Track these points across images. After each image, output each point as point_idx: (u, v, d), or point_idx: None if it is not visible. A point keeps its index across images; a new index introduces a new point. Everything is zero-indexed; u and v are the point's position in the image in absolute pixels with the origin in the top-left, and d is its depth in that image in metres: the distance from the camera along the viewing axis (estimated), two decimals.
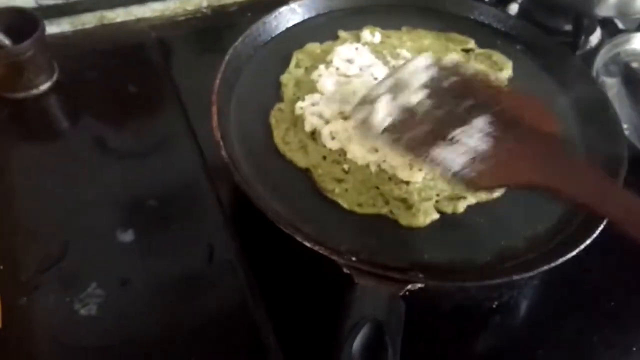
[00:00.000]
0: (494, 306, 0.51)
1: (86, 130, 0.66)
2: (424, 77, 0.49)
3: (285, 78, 0.59)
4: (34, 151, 0.64)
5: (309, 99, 0.55)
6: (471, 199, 0.49)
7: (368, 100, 0.49)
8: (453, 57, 0.57)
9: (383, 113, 0.47)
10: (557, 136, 0.44)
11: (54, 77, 0.69)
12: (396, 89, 0.49)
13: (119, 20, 0.78)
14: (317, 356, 0.45)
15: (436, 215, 0.48)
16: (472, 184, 0.42)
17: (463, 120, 0.45)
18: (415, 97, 0.48)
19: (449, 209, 0.49)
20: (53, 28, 0.75)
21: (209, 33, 0.79)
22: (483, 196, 0.50)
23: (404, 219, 0.48)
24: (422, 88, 0.48)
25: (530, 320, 0.52)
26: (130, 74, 0.72)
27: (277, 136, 0.53)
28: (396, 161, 0.49)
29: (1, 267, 0.52)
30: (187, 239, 0.56)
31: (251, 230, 0.55)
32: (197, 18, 0.81)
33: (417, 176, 0.49)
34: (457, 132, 0.44)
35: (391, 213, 0.48)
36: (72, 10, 0.74)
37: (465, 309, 0.51)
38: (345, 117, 0.53)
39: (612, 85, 0.73)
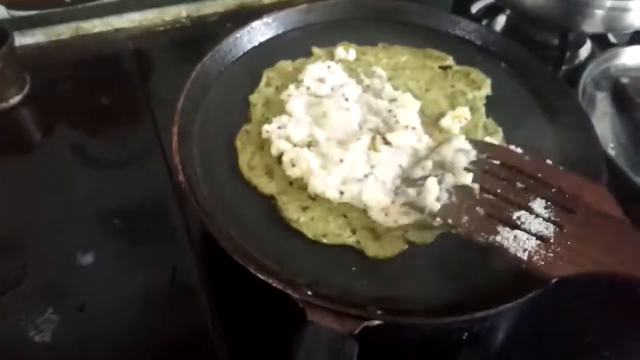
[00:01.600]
0: (463, 337, 0.49)
1: (57, 144, 0.65)
2: (464, 159, 0.48)
3: (254, 97, 0.57)
4: (1, 166, 0.62)
5: (277, 121, 0.53)
6: (441, 229, 0.47)
7: (411, 182, 0.47)
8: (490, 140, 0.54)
9: (432, 197, 0.45)
10: (623, 219, 0.43)
11: (25, 90, 0.68)
12: (439, 170, 0.48)
13: (95, 30, 0.76)
14: None
15: (404, 246, 0.46)
16: (545, 275, 0.41)
17: (519, 203, 0.44)
18: (462, 179, 0.46)
19: (418, 239, 0.47)
20: (27, 39, 0.73)
21: (188, 44, 0.78)
22: None
23: (371, 250, 0.45)
24: (467, 171, 0.47)
25: (502, 352, 0.49)
26: (104, 85, 0.71)
27: (242, 161, 0.51)
28: (371, 202, 0.47)
29: None
30: (150, 261, 0.54)
31: (215, 255, 0.53)
32: (176, 28, 0.80)
33: (390, 222, 0.47)
34: (517, 217, 0.43)
35: (358, 243, 0.46)
36: (46, 21, 0.73)
37: (433, 340, 0.49)
38: (311, 144, 0.51)
39: (601, 100, 0.71)
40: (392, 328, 0.46)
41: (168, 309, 0.52)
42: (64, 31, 0.75)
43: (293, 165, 0.49)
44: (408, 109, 0.54)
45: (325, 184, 0.47)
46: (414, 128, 0.53)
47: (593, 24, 0.65)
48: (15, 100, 0.67)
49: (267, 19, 0.63)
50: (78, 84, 0.71)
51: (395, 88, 0.58)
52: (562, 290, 0.43)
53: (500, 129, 0.56)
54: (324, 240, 0.45)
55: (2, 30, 0.64)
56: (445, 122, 0.55)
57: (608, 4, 0.62)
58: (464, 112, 0.56)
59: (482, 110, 0.58)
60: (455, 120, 0.55)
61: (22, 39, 0.72)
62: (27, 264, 0.53)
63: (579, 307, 0.52)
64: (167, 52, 0.77)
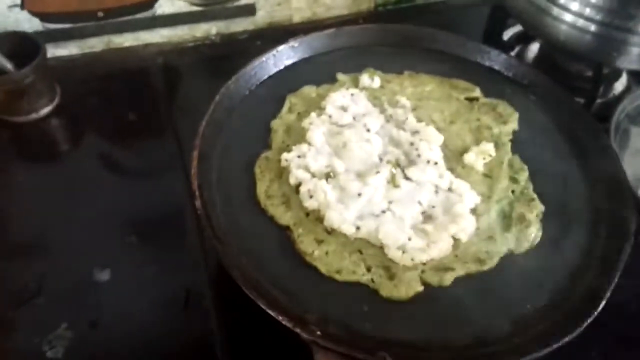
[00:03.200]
0: None
1: (81, 156, 0.66)
2: None
3: (275, 124, 0.57)
4: (28, 176, 0.64)
5: (297, 149, 0.52)
6: (460, 271, 0.46)
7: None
8: None
9: None
10: None
11: (55, 102, 0.70)
12: None
13: (126, 44, 0.78)
14: None
15: (420, 287, 0.45)
16: None
17: None
18: None
19: (434, 281, 0.45)
20: (61, 51, 0.75)
21: (217, 61, 0.78)
22: (472, 267, 0.46)
23: (385, 290, 0.44)
24: None
25: None
26: (131, 100, 0.72)
27: (260, 189, 0.51)
28: (388, 239, 0.46)
29: None
30: (165, 281, 0.55)
31: (229, 281, 0.53)
32: (206, 45, 0.81)
33: (407, 260, 0.46)
34: None
35: (372, 282, 0.45)
36: (79, 34, 0.75)
37: None
38: (330, 175, 0.50)
39: (636, 135, 0.68)
40: None
41: (179, 329, 0.52)
42: (96, 44, 0.76)
43: (310, 197, 0.49)
44: (431, 143, 0.53)
45: (342, 218, 0.47)
46: (436, 163, 0.52)
47: (629, 60, 0.63)
48: (45, 111, 0.69)
49: (293, 43, 0.63)
50: (107, 96, 0.72)
51: (419, 119, 0.57)
52: (580, 339, 0.41)
53: (525, 167, 0.55)
54: (338, 277, 0.45)
55: (35, 43, 0.66)
56: (468, 158, 0.54)
57: None
58: (488, 148, 0.54)
59: (508, 146, 0.56)
60: (480, 156, 0.54)
61: (56, 51, 0.74)
62: (46, 275, 0.54)
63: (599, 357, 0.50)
64: (196, 69, 0.78)
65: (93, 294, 0.53)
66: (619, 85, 0.75)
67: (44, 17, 0.71)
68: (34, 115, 0.68)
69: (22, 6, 0.69)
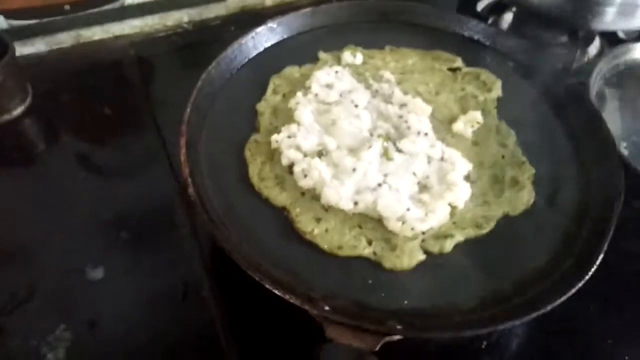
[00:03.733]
0: (482, 346, 0.48)
1: (60, 155, 0.64)
2: None
3: (261, 106, 0.56)
4: (4, 179, 0.61)
5: (286, 130, 0.52)
6: (459, 237, 0.46)
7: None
8: None
9: None
10: None
11: (28, 101, 0.67)
12: None
13: (96, 38, 0.75)
14: None
15: (422, 256, 0.45)
16: None
17: None
18: None
19: (435, 249, 0.46)
20: (27, 49, 0.72)
21: (191, 49, 0.77)
22: (471, 232, 0.47)
23: (388, 261, 0.45)
24: None
25: (522, 358, 0.49)
26: (107, 93, 0.70)
27: (253, 172, 0.50)
28: (386, 211, 0.46)
29: None
30: (160, 274, 0.54)
31: (226, 267, 0.52)
32: (178, 34, 0.79)
33: (407, 231, 0.46)
34: None
35: (374, 255, 0.45)
36: (46, 30, 0.72)
37: (452, 350, 0.49)
38: (322, 153, 0.50)
39: (611, 97, 0.70)
40: (411, 341, 0.45)
41: (180, 322, 0.51)
42: (65, 40, 0.74)
43: (305, 176, 0.48)
44: (419, 115, 0.53)
45: (339, 194, 0.46)
46: (426, 134, 0.52)
47: (604, 21, 0.64)
48: (18, 111, 0.66)
49: (271, 24, 0.62)
50: (80, 92, 0.70)
51: (405, 92, 0.57)
52: (578, 296, 0.42)
53: (513, 132, 0.55)
54: (340, 253, 0.45)
55: (3, 41, 0.63)
56: (457, 126, 0.54)
57: (619, 0, 0.61)
58: (476, 116, 0.55)
59: (494, 113, 0.57)
60: (468, 124, 0.54)
61: (23, 49, 0.71)
62: (36, 279, 0.52)
63: (596, 313, 0.52)
64: (170, 58, 0.76)
65: (88, 293, 0.52)
66: (593, 49, 0.77)
67: (8, 14, 0.68)
68: (6, 117, 0.65)
69: None
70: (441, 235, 0.46)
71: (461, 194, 0.48)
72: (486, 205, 0.49)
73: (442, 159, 0.51)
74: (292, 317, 0.44)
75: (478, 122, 0.55)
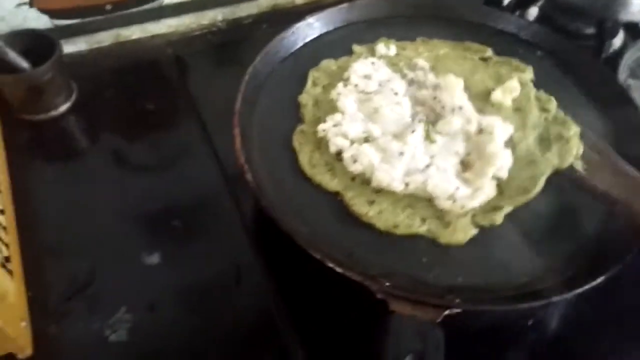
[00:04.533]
0: (529, 324, 0.50)
1: (106, 149, 0.66)
2: None
3: (303, 98, 0.58)
4: (55, 173, 0.64)
5: (331, 119, 0.54)
6: (508, 207, 0.48)
7: None
8: None
9: None
10: None
11: (73, 98, 0.69)
12: None
13: (134, 37, 0.78)
14: None
15: (475, 230, 0.47)
16: None
17: None
18: None
19: (486, 222, 0.48)
20: (69, 47, 0.74)
21: (225, 47, 0.79)
22: (520, 200, 0.49)
23: (443, 237, 0.47)
24: None
25: (567, 337, 0.51)
26: (147, 90, 0.72)
27: (303, 159, 0.52)
28: (436, 191, 0.48)
29: (30, 294, 0.52)
30: (213, 259, 0.56)
31: (278, 249, 0.55)
32: (213, 32, 0.81)
33: (457, 209, 0.48)
34: None
35: (429, 232, 0.47)
36: (87, 29, 0.74)
37: (499, 328, 0.51)
38: (368, 139, 0.52)
39: (637, 87, 0.72)
40: (458, 320, 0.47)
41: (235, 304, 0.53)
42: (105, 39, 0.76)
43: (355, 162, 0.50)
44: (451, 90, 0.55)
45: (391, 177, 0.49)
46: (460, 108, 0.54)
47: (630, 12, 0.66)
48: (64, 107, 0.68)
49: (310, 20, 0.65)
50: (121, 89, 0.72)
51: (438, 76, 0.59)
52: (625, 276, 0.44)
53: (552, 98, 0.57)
54: (396, 231, 0.47)
55: (50, 40, 0.66)
56: (495, 95, 0.56)
57: None
58: (514, 85, 0.56)
59: (531, 85, 0.59)
60: (507, 93, 0.56)
61: (65, 48, 0.73)
62: (94, 266, 0.55)
63: None
64: (205, 56, 0.78)
65: (146, 277, 0.54)
66: (617, 41, 0.79)
67: (53, 13, 0.70)
68: (53, 113, 0.68)
69: (31, 4, 0.69)
70: (490, 209, 0.48)
71: (503, 163, 0.50)
72: (533, 165, 0.51)
73: (480, 131, 0.53)
74: (347, 294, 0.47)
75: (517, 90, 0.56)
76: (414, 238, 0.47)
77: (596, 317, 0.51)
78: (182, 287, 0.54)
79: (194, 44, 0.79)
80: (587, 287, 0.42)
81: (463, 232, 0.46)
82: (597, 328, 0.51)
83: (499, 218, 0.48)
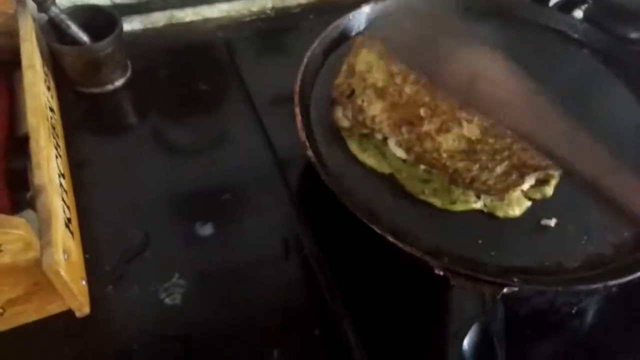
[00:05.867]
0: (573, 311, 0.51)
1: (158, 125, 0.68)
2: None
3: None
4: (109, 145, 0.66)
5: None
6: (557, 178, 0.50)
7: None
8: None
9: None
10: None
11: (128, 74, 0.72)
12: None
13: (187, 19, 0.80)
14: (401, 354, 0.46)
15: (528, 202, 0.49)
16: None
17: None
18: None
19: (537, 195, 0.50)
20: (125, 26, 0.76)
21: (273, 34, 0.81)
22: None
23: (500, 211, 0.48)
24: None
25: (609, 325, 0.52)
26: (199, 72, 0.74)
27: (352, 145, 0.54)
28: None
29: (87, 256, 0.54)
30: (263, 233, 0.57)
31: (326, 226, 0.56)
32: (262, 19, 0.83)
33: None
34: None
35: (485, 207, 0.49)
36: (144, 8, 0.76)
37: (543, 314, 0.52)
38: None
39: None
40: (513, 299, 0.48)
41: (284, 279, 0.54)
42: (159, 19, 0.78)
43: (400, 145, 0.52)
44: None
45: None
46: None
47: None
48: (120, 82, 0.71)
49: (365, 8, 0.66)
50: (175, 69, 0.74)
51: None
52: None
53: None
54: (454, 208, 0.48)
55: (112, 16, 0.68)
56: None
57: None
58: None
59: None
60: None
61: None
62: (149, 233, 0.56)
63: None
64: (254, 42, 0.80)
65: (199, 246, 0.56)
66: None
67: None
68: (109, 87, 0.70)
69: None
70: (540, 181, 0.49)
71: None
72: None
73: None
74: (397, 269, 0.48)
75: None
76: (471, 214, 0.48)
77: (637, 309, 0.52)
78: (233, 258, 0.55)
79: (244, 30, 0.81)
80: (634, 276, 0.43)
81: (518, 205, 0.48)
82: (637, 320, 0.52)
83: (549, 190, 0.49)
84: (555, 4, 0.82)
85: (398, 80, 0.54)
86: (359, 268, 0.53)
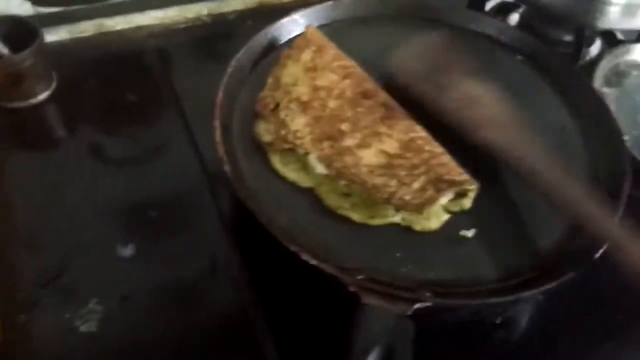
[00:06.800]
0: (497, 322, 0.51)
1: (85, 139, 0.65)
2: None
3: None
4: (32, 161, 0.63)
5: None
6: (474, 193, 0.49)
7: None
8: None
9: None
10: None
11: (53, 86, 0.69)
12: None
13: (118, 28, 0.77)
14: None
15: (446, 216, 0.49)
16: None
17: None
18: None
19: (456, 208, 0.49)
20: (51, 36, 0.73)
21: (209, 41, 0.79)
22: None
23: (418, 224, 0.48)
24: None
25: (535, 334, 0.51)
26: (129, 82, 0.72)
27: (274, 159, 0.52)
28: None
29: None
30: (189, 252, 0.55)
31: (254, 243, 0.55)
32: (197, 26, 0.81)
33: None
34: None
35: (403, 220, 0.48)
36: (70, 18, 0.73)
37: (468, 325, 0.51)
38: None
39: (612, 96, 0.74)
40: (429, 313, 0.47)
41: (211, 298, 0.52)
42: (87, 28, 0.75)
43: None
44: None
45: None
46: None
47: (608, 20, 0.68)
48: (43, 95, 0.67)
49: (295, 16, 0.65)
50: (103, 80, 0.71)
51: None
52: (594, 271, 0.45)
53: None
54: (372, 222, 0.47)
55: (32, 27, 0.65)
56: None
57: (623, 1, 0.65)
58: None
59: None
60: None
61: (47, 36, 0.72)
62: (66, 257, 0.54)
63: (611, 287, 0.53)
64: (189, 50, 0.78)
65: (119, 269, 0.53)
66: (594, 49, 0.80)
67: (36, 0, 0.69)
68: (32, 101, 0.67)
69: None
70: (459, 194, 0.49)
71: None
72: None
73: None
74: (320, 287, 0.47)
75: None
76: (389, 228, 0.48)
77: (568, 312, 0.52)
78: (156, 280, 0.53)
79: (178, 37, 0.79)
80: (553, 284, 0.42)
81: (437, 218, 0.48)
82: (568, 324, 0.52)
83: (467, 203, 0.49)
84: (491, 8, 0.83)
85: (322, 94, 0.53)
86: (283, 286, 0.51)
